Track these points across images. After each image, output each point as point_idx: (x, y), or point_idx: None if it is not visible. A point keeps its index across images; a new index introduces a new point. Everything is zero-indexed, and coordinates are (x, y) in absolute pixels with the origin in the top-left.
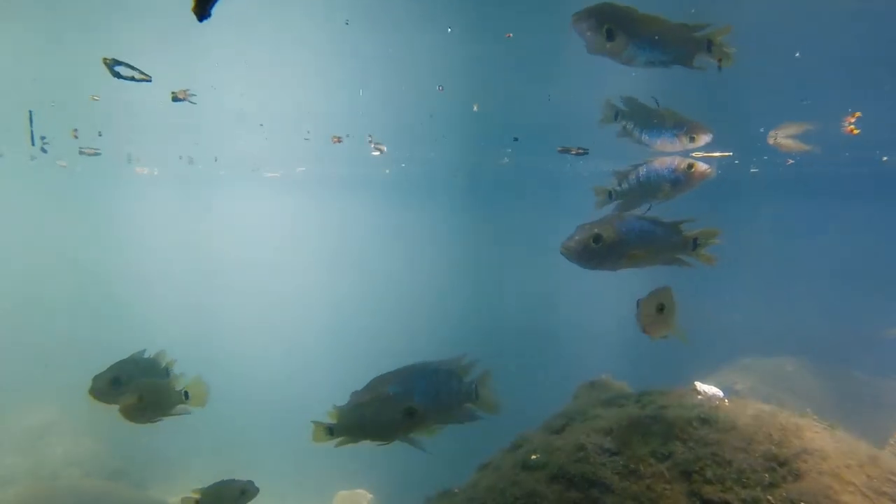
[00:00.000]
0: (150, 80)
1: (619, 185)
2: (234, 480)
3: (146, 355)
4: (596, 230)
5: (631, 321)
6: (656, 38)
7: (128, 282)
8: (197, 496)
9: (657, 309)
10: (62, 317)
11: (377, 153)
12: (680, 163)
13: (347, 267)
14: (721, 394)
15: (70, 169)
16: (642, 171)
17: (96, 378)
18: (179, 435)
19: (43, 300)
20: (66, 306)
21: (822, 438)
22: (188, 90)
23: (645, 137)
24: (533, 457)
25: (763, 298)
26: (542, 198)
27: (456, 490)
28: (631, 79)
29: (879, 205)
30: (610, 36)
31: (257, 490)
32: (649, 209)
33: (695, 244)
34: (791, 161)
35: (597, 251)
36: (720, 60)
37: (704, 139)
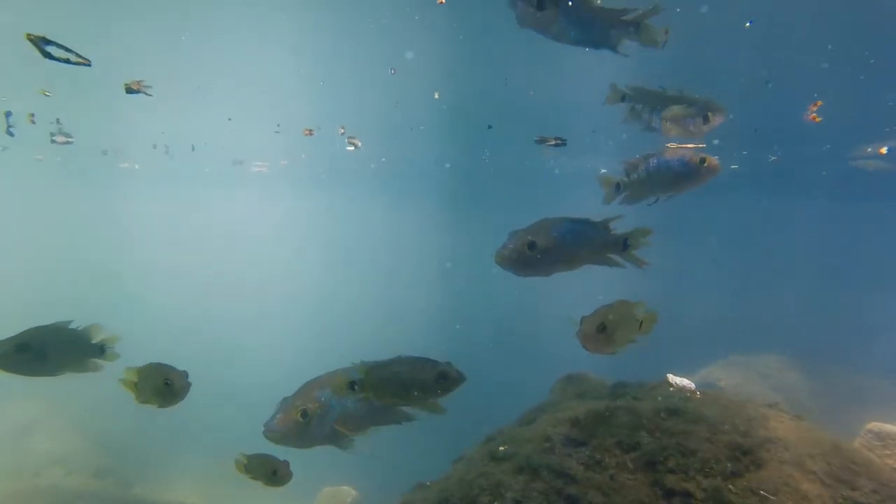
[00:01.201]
0: (90, 65)
1: (629, 175)
2: (273, 457)
3: (73, 326)
4: (530, 237)
5: None
6: (587, 13)
7: (118, 278)
8: (245, 460)
9: (598, 328)
10: (51, 313)
11: (352, 148)
12: (692, 156)
13: (336, 263)
14: (693, 386)
15: (49, 162)
16: (653, 161)
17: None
18: (165, 433)
19: (32, 295)
20: (56, 302)
21: (786, 428)
22: (143, 81)
23: (655, 121)
24: (501, 448)
25: (751, 296)
26: (529, 192)
27: (428, 484)
28: (605, 75)
29: (864, 203)
30: (541, 5)
31: (290, 475)
32: (656, 201)
33: (625, 244)
34: (774, 158)
35: (532, 258)
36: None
37: (719, 120)
